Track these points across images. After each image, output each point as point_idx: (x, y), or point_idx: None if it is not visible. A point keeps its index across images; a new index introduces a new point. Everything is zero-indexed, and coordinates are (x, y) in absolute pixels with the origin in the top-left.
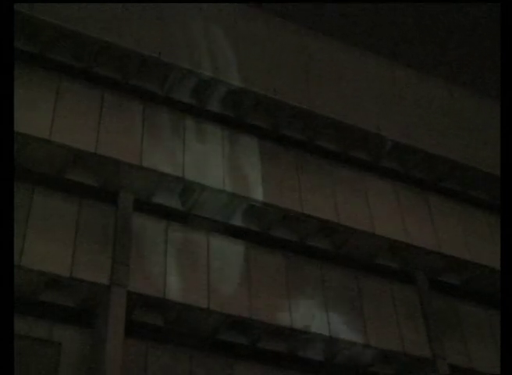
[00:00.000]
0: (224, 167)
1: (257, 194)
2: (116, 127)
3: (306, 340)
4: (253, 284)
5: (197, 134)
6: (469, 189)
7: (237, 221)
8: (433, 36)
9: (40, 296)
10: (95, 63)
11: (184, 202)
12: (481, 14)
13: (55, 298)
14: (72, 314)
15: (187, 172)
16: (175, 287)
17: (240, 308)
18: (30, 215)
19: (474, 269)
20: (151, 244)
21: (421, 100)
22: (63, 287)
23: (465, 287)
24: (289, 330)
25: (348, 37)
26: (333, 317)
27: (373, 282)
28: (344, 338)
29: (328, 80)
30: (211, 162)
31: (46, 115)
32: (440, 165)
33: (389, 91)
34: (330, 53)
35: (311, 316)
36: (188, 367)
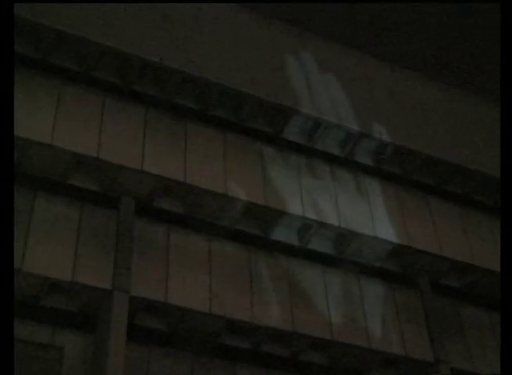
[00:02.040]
0: (226, 171)
1: (259, 197)
2: (118, 132)
3: (308, 344)
4: (254, 288)
5: (198, 139)
6: (471, 192)
7: (238, 225)
8: (433, 38)
9: (41, 301)
10: (96, 68)
11: (186, 206)
12: (481, 14)
13: (57, 302)
14: (74, 319)
15: (189, 177)
16: (177, 292)
17: (242, 313)
18: (32, 219)
19: (477, 273)
20: (152, 249)
21: (421, 102)
22: (65, 291)
23: (467, 291)
24: (292, 334)
25: (348, 40)
26: (335, 320)
27: (375, 285)
28: (346, 342)
29: (328, 83)
30: (213, 166)
31: (47, 119)
32: (441, 168)
33: (389, 93)
34: (330, 55)
35: (313, 320)
36: (190, 371)
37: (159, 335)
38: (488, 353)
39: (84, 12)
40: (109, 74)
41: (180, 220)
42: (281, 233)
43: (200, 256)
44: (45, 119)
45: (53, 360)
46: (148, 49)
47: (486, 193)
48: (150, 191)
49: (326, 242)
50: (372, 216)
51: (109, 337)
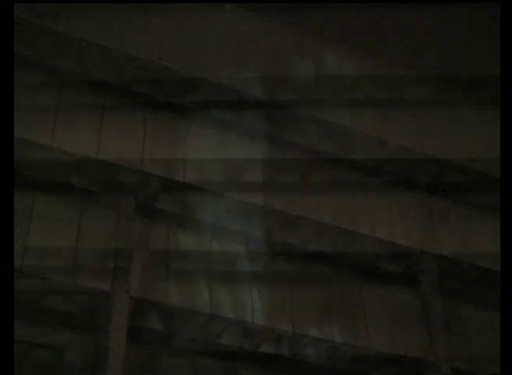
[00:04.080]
0: (226, 172)
1: (258, 198)
2: (117, 132)
3: (308, 344)
4: (255, 289)
5: (199, 139)
6: (471, 192)
7: (238, 225)
8: (433, 37)
9: (41, 301)
10: (95, 68)
11: (186, 207)
12: (481, 15)
13: (57, 303)
14: (73, 320)
15: (189, 177)
16: (177, 293)
17: (242, 313)
18: (31, 220)
19: (477, 272)
20: (152, 250)
21: (422, 103)
22: (65, 292)
23: (468, 290)
24: (291, 334)
25: (347, 40)
26: (335, 321)
27: (375, 285)
28: (346, 342)
29: (328, 83)
30: (214, 167)
31: (47, 120)
32: (442, 168)
33: (389, 93)
34: (330, 56)
35: (312, 319)
36: (190, 373)
37: (159, 336)
38: (488, 353)
39: (83, 12)
40: (108, 74)
41: (180, 220)
42: (281, 235)
43: (200, 257)
44: (45, 120)
45: (52, 361)
46: (147, 49)
47: (487, 193)
48: (150, 191)
49: (326, 242)
50: (372, 216)
51: (109, 338)
